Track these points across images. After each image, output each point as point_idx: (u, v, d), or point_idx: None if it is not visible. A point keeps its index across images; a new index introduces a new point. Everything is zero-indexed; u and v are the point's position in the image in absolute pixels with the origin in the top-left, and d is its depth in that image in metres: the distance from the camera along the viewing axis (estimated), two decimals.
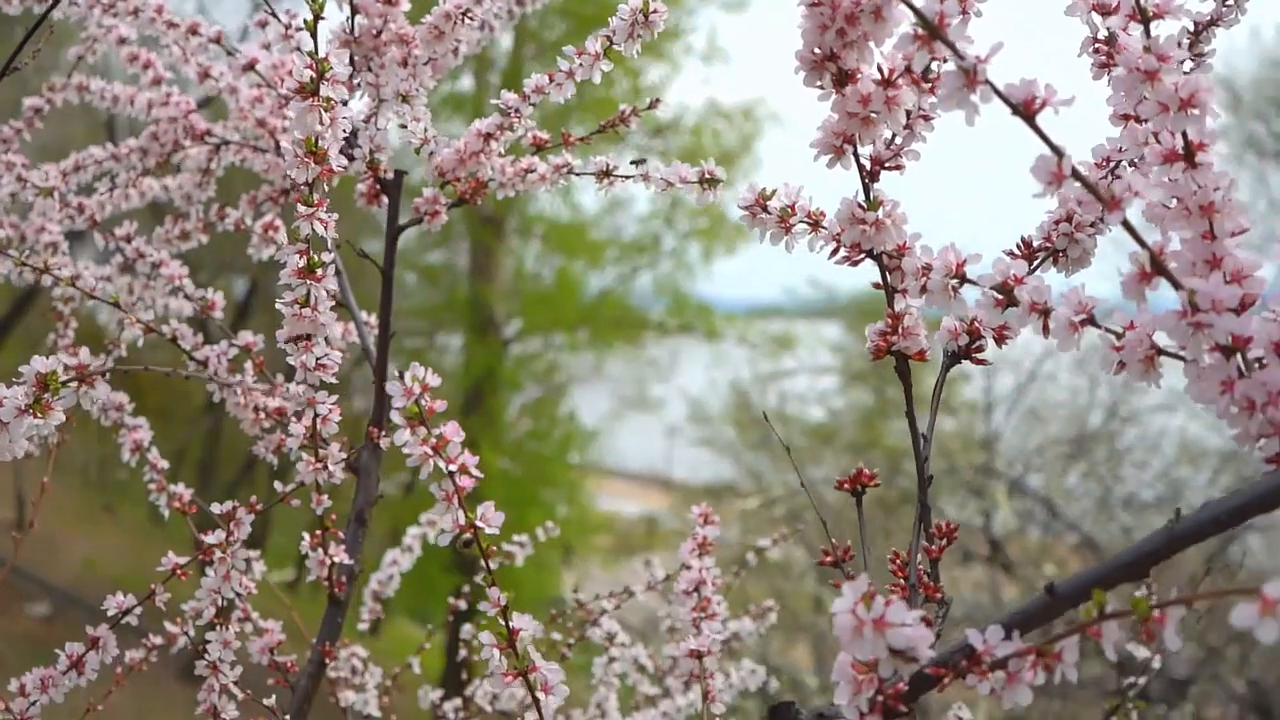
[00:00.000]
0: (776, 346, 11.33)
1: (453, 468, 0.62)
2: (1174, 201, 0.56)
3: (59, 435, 1.20)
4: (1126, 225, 0.52)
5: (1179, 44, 0.74)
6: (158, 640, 1.14)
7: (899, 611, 0.50)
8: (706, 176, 0.84)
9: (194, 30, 1.10)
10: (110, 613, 0.91)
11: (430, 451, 0.62)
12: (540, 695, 0.65)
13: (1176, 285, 0.51)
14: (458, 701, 1.31)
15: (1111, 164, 0.70)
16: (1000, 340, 0.67)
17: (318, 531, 0.96)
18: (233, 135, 1.20)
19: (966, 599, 6.77)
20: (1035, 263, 0.69)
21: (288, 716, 0.94)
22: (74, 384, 0.69)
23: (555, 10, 9.64)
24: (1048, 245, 0.69)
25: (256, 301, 10.55)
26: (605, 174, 0.96)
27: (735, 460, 9.66)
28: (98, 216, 1.22)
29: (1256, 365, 0.53)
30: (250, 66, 1.05)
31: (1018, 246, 0.70)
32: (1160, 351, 0.55)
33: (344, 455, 0.92)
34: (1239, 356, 0.52)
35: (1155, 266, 0.52)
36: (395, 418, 0.61)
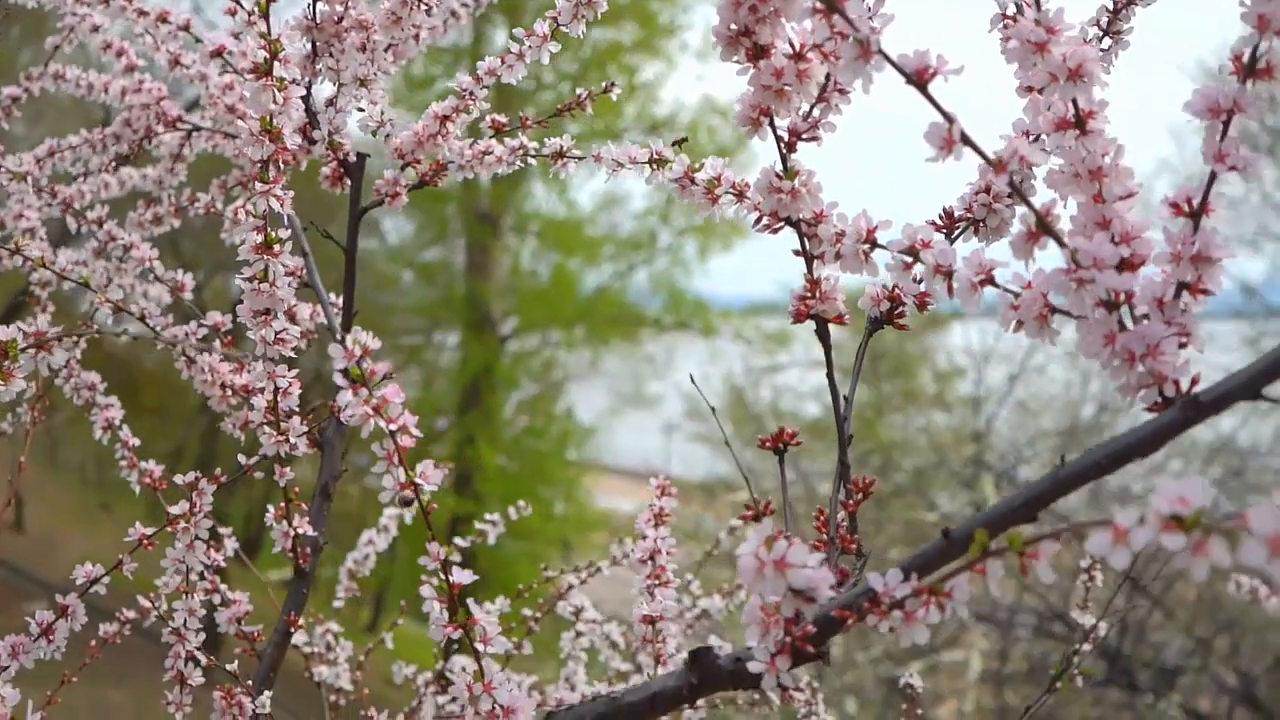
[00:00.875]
0: (772, 343, 11.35)
1: (393, 427, 0.65)
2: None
3: (34, 414, 1.23)
4: (1012, 186, 0.54)
5: (1097, 22, 0.77)
6: (130, 614, 1.17)
7: (799, 553, 0.53)
8: (655, 157, 0.87)
9: (163, 18, 1.13)
10: (79, 581, 0.94)
11: (371, 412, 0.65)
12: (480, 646, 0.68)
13: (1062, 244, 0.54)
14: (428, 675, 1.34)
15: (1032, 137, 0.73)
16: (922, 306, 0.70)
17: (281, 504, 0.99)
18: (204, 122, 1.23)
19: None
20: (956, 231, 0.72)
21: (250, 682, 0.97)
22: (32, 350, 0.72)
23: (550, 6, 9.66)
24: (968, 215, 0.72)
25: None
26: (559, 155, 0.99)
27: (731, 456, 9.69)
28: (76, 204, 1.25)
29: (1144, 321, 0.56)
30: (217, 53, 1.08)
31: (939, 216, 0.73)
32: (1054, 310, 0.57)
33: (305, 428, 0.95)
34: (1123, 311, 0.55)
35: (1041, 226, 0.55)
36: (338, 379, 0.64)
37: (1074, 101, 0.56)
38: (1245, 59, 0.55)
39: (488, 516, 1.43)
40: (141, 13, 1.13)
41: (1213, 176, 0.55)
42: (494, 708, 0.66)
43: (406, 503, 0.67)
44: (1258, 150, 0.57)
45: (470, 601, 0.69)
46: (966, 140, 0.54)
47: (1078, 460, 0.53)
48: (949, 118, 0.54)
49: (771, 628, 0.56)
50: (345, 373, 0.64)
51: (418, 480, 0.66)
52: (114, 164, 1.24)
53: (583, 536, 10.93)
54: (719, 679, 0.60)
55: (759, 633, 0.56)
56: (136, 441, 1.14)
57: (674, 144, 0.82)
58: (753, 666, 0.58)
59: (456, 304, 11.27)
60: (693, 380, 1.12)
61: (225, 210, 1.22)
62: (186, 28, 1.14)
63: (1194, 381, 0.54)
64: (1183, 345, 0.55)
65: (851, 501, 0.66)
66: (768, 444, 0.71)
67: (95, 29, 1.24)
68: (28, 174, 1.15)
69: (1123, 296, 0.54)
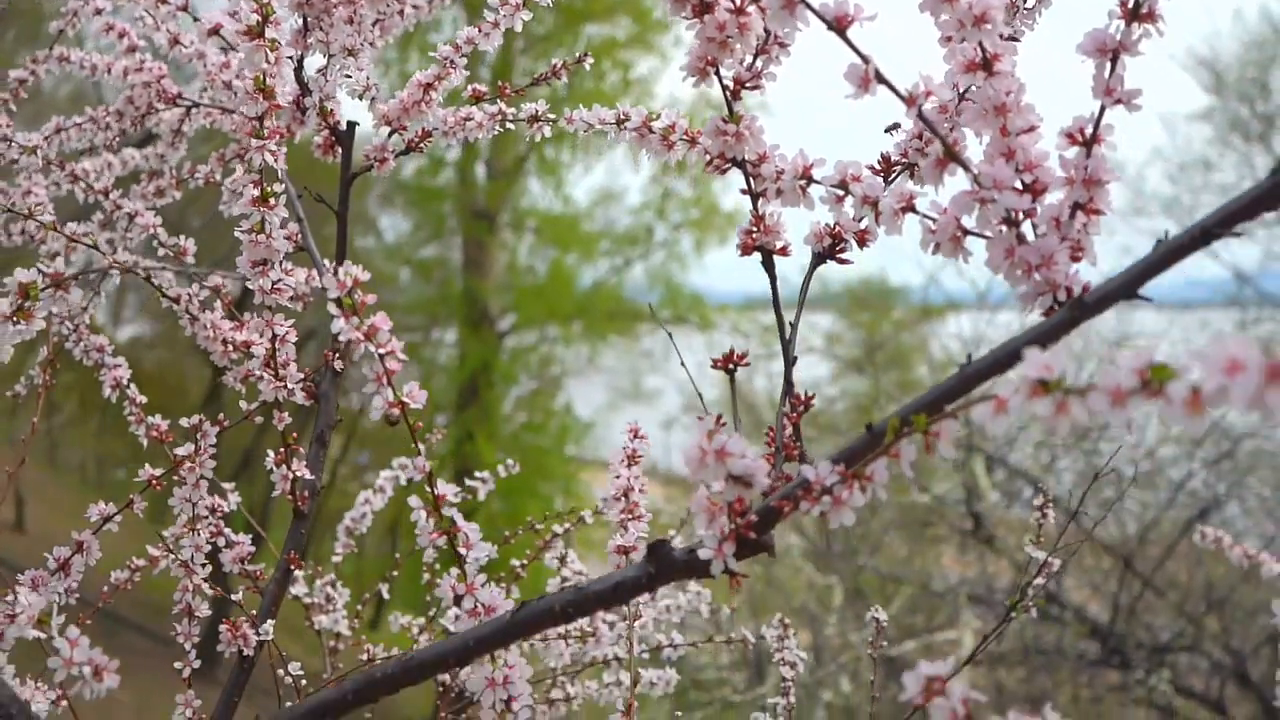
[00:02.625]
0: (770, 336, 11.41)
1: (382, 351, 0.72)
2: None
3: (45, 378, 1.30)
4: (921, 118, 0.62)
5: None
6: (140, 561, 1.24)
7: (737, 443, 0.60)
8: (620, 118, 0.94)
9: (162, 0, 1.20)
10: (94, 519, 1.01)
11: (362, 336, 0.72)
12: (462, 551, 0.75)
13: (967, 169, 0.61)
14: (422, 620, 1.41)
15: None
16: (861, 243, 0.77)
17: (281, 449, 1.06)
18: (202, 99, 1.29)
19: (950, 576, 6.89)
20: (893, 174, 0.79)
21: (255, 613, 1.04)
22: (50, 290, 0.79)
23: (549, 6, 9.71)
24: (903, 160, 0.79)
25: (253, 298, 10.61)
26: (535, 119, 1.06)
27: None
28: (94, 185, 1.32)
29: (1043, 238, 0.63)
30: (215, 31, 1.15)
31: (878, 161, 0.79)
32: (965, 231, 0.65)
33: (302, 375, 1.02)
34: (1021, 229, 0.62)
35: (949, 154, 0.62)
36: (331, 307, 0.71)
37: (980, 45, 0.63)
38: (1130, 5, 0.62)
39: (477, 474, 1.50)
40: None
41: (1102, 109, 0.62)
42: (475, 605, 0.74)
43: (393, 421, 0.74)
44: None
45: (455, 513, 0.76)
46: (881, 79, 0.61)
47: (981, 358, 0.60)
48: (865, 59, 0.61)
49: (717, 515, 0.63)
50: (339, 301, 0.71)
51: (404, 399, 0.73)
52: (117, 141, 1.31)
53: (582, 531, 10.94)
54: (674, 568, 0.67)
55: (706, 519, 0.63)
56: (143, 399, 1.21)
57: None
58: (702, 553, 0.65)
59: (454, 301, 11.34)
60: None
61: (224, 182, 1.29)
62: (184, 8, 1.21)
63: (1084, 289, 0.61)
64: (1076, 259, 0.62)
65: (795, 414, 0.73)
66: (718, 364, 0.78)
67: (98, 11, 1.31)
68: (37, 148, 1.22)
69: (1021, 215, 0.61)
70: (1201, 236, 0.55)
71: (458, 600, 0.74)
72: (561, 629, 1.29)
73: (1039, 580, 1.24)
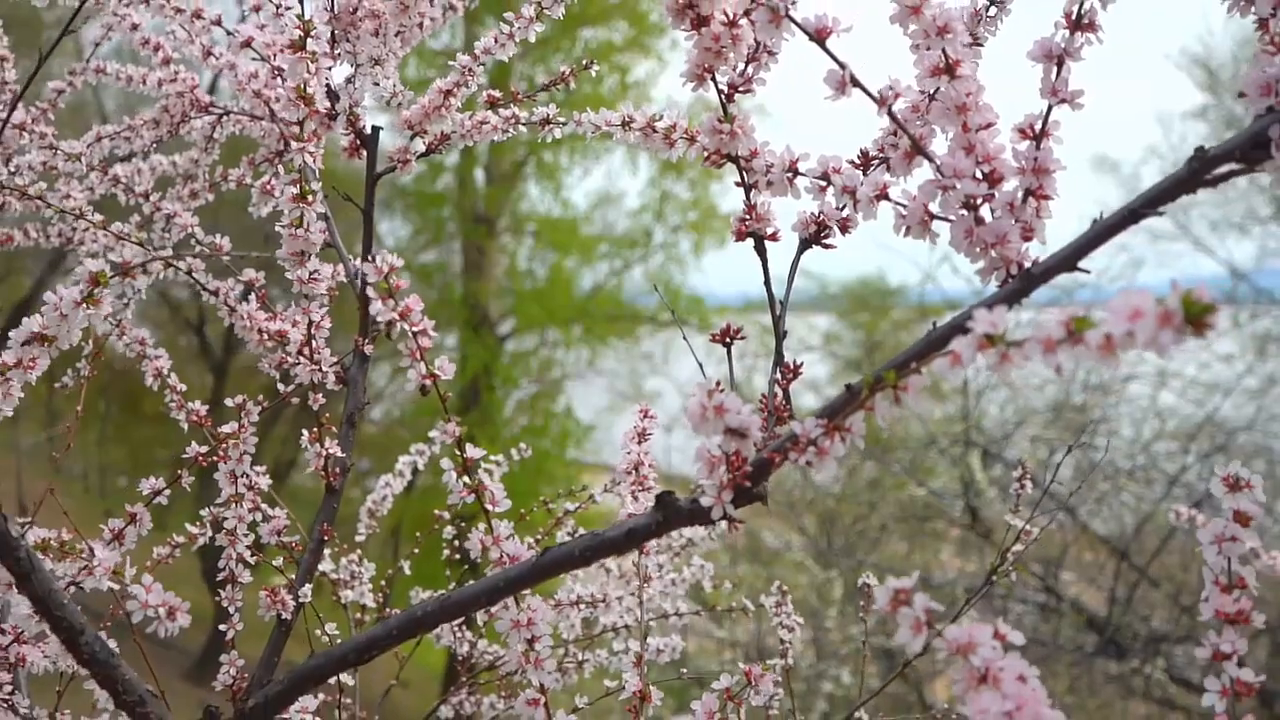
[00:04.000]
0: (769, 336, 11.45)
1: (416, 329, 0.81)
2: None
3: (90, 370, 1.39)
4: (891, 116, 0.71)
5: None
6: (180, 539, 1.33)
7: (734, 401, 0.69)
8: (625, 120, 1.03)
9: (198, 15, 1.29)
10: (145, 492, 1.10)
11: (398, 316, 0.81)
12: (489, 507, 0.84)
13: (931, 161, 0.71)
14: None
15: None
16: (844, 229, 0.86)
17: (315, 429, 1.15)
18: (233, 106, 1.38)
19: (950, 572, 6.97)
20: (871, 167, 0.88)
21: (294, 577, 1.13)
22: (118, 277, 0.88)
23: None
24: (880, 154, 0.88)
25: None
26: (546, 122, 1.15)
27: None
28: (135, 188, 1.41)
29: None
30: (247, 44, 1.24)
31: (857, 155, 0.88)
32: (932, 215, 0.74)
33: (335, 360, 1.11)
34: (980, 212, 0.71)
35: (915, 148, 0.71)
36: (370, 290, 0.80)
37: (944, 52, 0.73)
38: (1074, 16, 0.71)
39: (493, 458, 1.58)
40: (178, 10, 1.29)
41: (1049, 108, 0.71)
42: (501, 555, 0.83)
43: (425, 391, 0.83)
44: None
45: (481, 472, 0.85)
46: (855, 83, 0.70)
47: (943, 324, 0.69)
48: (842, 65, 0.70)
49: (717, 466, 0.72)
50: (376, 285, 0.80)
51: (436, 371, 0.82)
52: (154, 146, 1.40)
53: (581, 517, 11.02)
54: (680, 515, 0.76)
55: (707, 470, 0.72)
56: (183, 387, 1.30)
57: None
58: (704, 501, 0.74)
59: (454, 305, 11.41)
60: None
61: (254, 184, 1.38)
62: (218, 22, 1.30)
63: (1034, 264, 0.70)
64: (1027, 238, 0.71)
65: (785, 381, 0.82)
66: (716, 339, 0.87)
67: (135, 27, 1.40)
68: (80, 155, 1.31)
69: (980, 200, 0.70)
70: (1130, 216, 0.64)
71: (485, 551, 0.83)
72: (575, 597, 1.38)
73: (1018, 547, 1.33)
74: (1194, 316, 0.46)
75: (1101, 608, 6.65)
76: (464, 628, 1.55)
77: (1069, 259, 0.66)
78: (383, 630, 0.78)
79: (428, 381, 0.82)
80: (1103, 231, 0.65)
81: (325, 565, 1.50)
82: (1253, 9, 0.67)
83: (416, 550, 1.63)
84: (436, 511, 1.48)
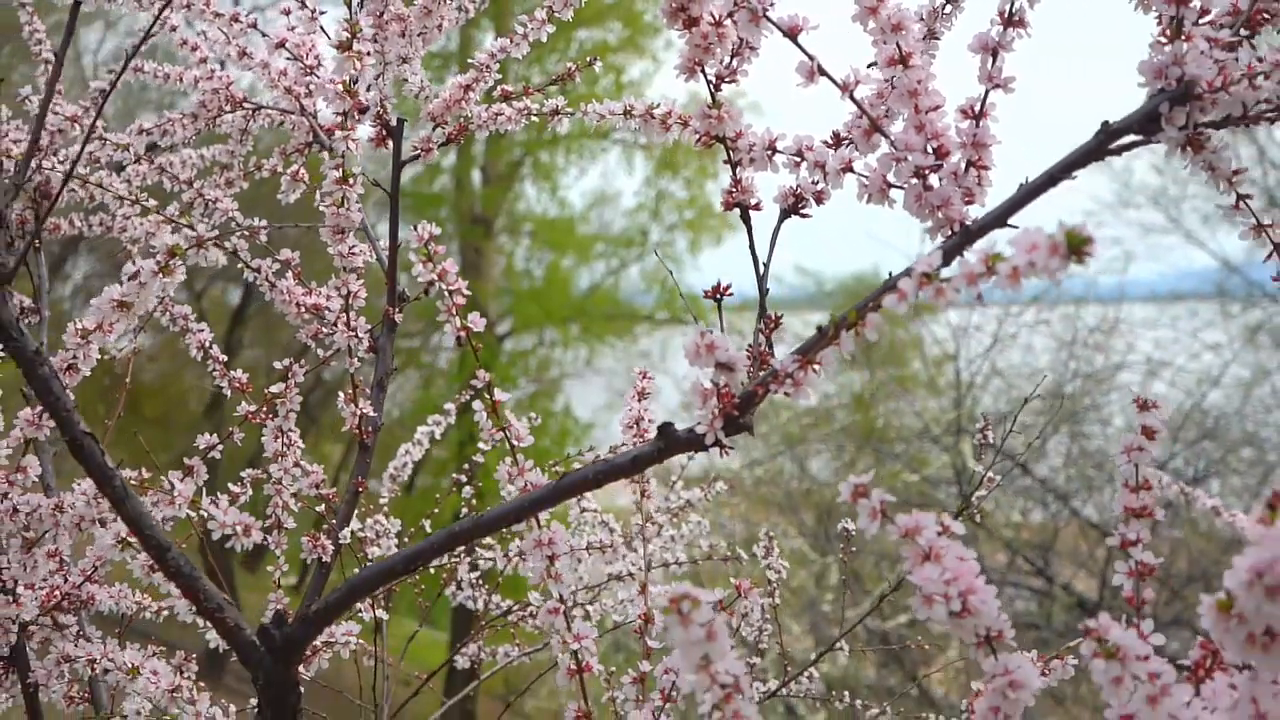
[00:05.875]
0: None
1: (452, 288, 0.95)
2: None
3: (135, 346, 1.52)
4: (853, 100, 0.84)
5: None
6: (238, 489, 1.46)
7: (723, 339, 0.83)
8: (627, 109, 1.16)
9: (235, 19, 1.42)
10: (200, 447, 1.23)
11: (436, 277, 0.94)
12: (514, 442, 0.97)
13: (887, 137, 0.84)
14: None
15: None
16: (819, 200, 0.99)
17: (350, 390, 1.28)
18: (265, 102, 1.51)
19: None
20: (842, 146, 1.01)
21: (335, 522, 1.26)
22: (193, 249, 1.01)
23: (537, 5, 9.99)
24: (849, 135, 1.01)
25: (253, 305, 10.88)
26: (555, 113, 1.28)
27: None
28: (179, 176, 1.54)
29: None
30: (281, 44, 1.37)
31: (830, 136, 1.02)
32: (889, 184, 0.87)
33: (370, 327, 1.24)
34: (929, 180, 0.84)
35: (873, 127, 0.85)
36: (412, 254, 0.93)
37: (898, 45, 0.86)
38: (1006, 15, 0.84)
39: (482, 446, 1.72)
40: (217, 14, 1.42)
41: (986, 92, 0.85)
42: (525, 484, 0.96)
43: (460, 343, 0.97)
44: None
45: (508, 414, 0.98)
46: (823, 72, 0.83)
47: (896, 275, 0.82)
48: (811, 57, 0.83)
49: (709, 398, 0.85)
50: (418, 250, 0.93)
51: (469, 325, 0.96)
52: (192, 139, 1.53)
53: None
54: (679, 443, 0.89)
55: (701, 400, 0.85)
56: (225, 358, 1.43)
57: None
58: (698, 428, 0.87)
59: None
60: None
61: (284, 172, 1.51)
62: (254, 25, 1.43)
63: (973, 222, 0.83)
64: (969, 202, 0.84)
65: (767, 330, 0.96)
66: (709, 294, 1.00)
67: (173, 29, 1.53)
68: (129, 145, 1.44)
69: (928, 170, 0.84)
70: (1049, 180, 0.78)
71: (511, 479, 0.96)
72: (584, 542, 1.51)
73: (982, 491, 1.46)
74: (1075, 246, 0.60)
75: (1093, 593, 6.81)
76: (483, 582, 1.68)
77: (999, 218, 0.79)
78: (425, 544, 0.91)
79: (462, 333, 0.96)
80: (1027, 194, 0.78)
81: (354, 525, 1.63)
82: (1154, 8, 0.80)
83: (436, 510, 1.76)
84: (454, 475, 1.61)
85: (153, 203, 1.30)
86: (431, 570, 1.75)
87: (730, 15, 0.89)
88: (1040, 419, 7.28)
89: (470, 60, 1.26)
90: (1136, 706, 0.64)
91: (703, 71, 0.93)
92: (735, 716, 0.71)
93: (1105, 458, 6.91)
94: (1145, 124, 0.76)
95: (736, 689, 0.70)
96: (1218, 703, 0.65)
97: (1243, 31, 0.80)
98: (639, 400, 1.30)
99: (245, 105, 1.54)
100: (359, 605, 1.53)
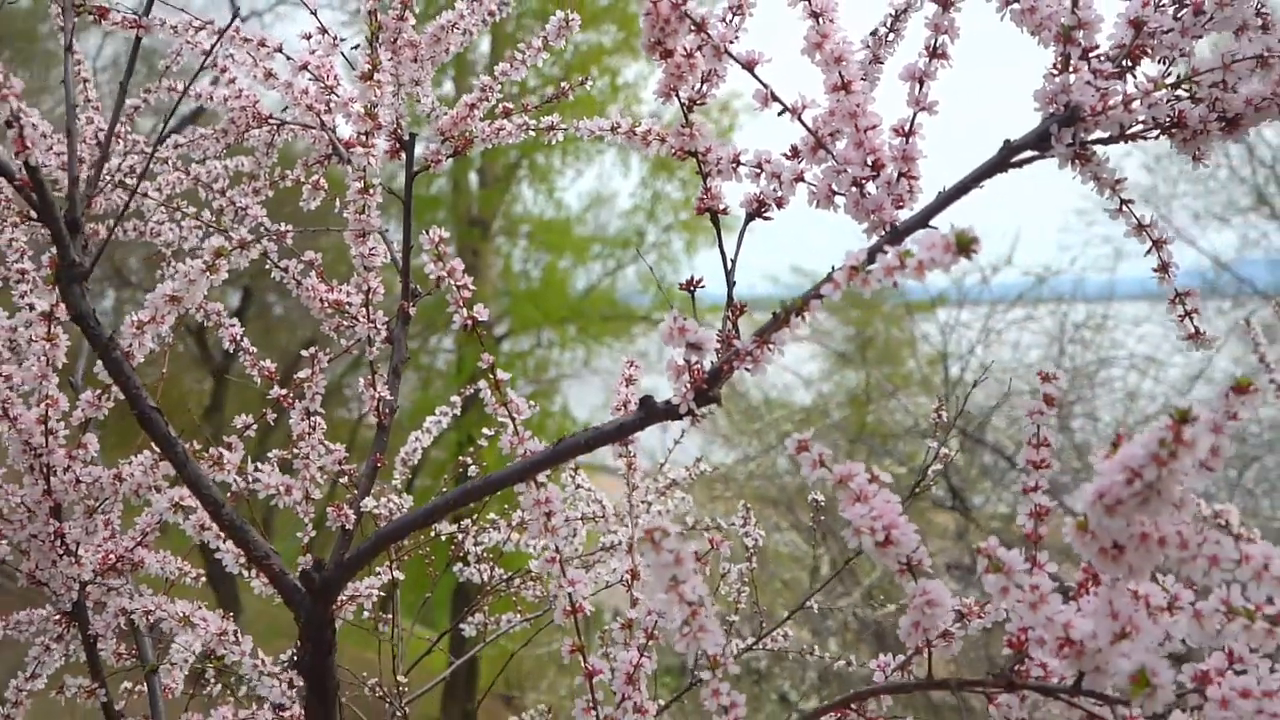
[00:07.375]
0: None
1: (459, 283, 1.10)
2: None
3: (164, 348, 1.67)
4: (800, 121, 1.00)
5: (884, 24, 1.21)
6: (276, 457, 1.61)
7: (693, 323, 0.98)
8: (614, 126, 1.32)
9: (262, 43, 1.58)
10: (238, 426, 1.38)
11: (445, 274, 1.10)
12: (515, 416, 1.13)
13: (829, 153, 1.00)
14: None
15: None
16: (780, 205, 1.15)
17: (369, 376, 1.44)
18: (288, 118, 1.67)
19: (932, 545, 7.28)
20: (797, 159, 1.17)
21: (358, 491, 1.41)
22: (236, 250, 1.16)
23: (530, 14, 10.16)
24: (801, 150, 1.17)
25: (251, 309, 11.03)
26: (552, 128, 1.44)
27: (727, 445, 10.18)
28: (214, 185, 1.69)
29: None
30: (304, 66, 1.53)
31: (789, 149, 1.17)
32: (834, 191, 1.02)
33: (386, 319, 1.39)
34: (867, 189, 1.00)
35: (818, 143, 1.00)
36: (424, 254, 1.09)
37: (840, 74, 1.01)
38: (931, 48, 1.00)
39: (485, 432, 1.88)
40: (245, 40, 1.58)
41: (914, 115, 1.00)
42: (525, 451, 1.11)
43: (467, 330, 1.12)
44: None
45: (507, 390, 1.14)
46: (775, 98, 0.99)
47: (838, 268, 0.97)
48: (765, 86, 0.99)
49: (682, 372, 1.01)
50: (429, 251, 1.09)
51: (475, 315, 1.11)
52: (222, 152, 1.68)
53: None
54: (657, 412, 1.05)
55: (674, 376, 1.01)
56: (254, 350, 1.58)
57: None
58: (673, 399, 1.02)
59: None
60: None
61: (306, 182, 1.67)
62: (280, 49, 1.58)
63: (900, 223, 0.99)
64: (899, 206, 1.00)
65: (734, 315, 1.11)
66: (684, 287, 1.16)
67: (206, 53, 1.68)
68: (167, 158, 1.60)
69: (865, 180, 0.99)
70: (961, 189, 0.93)
71: (514, 446, 1.12)
72: (580, 513, 1.67)
73: (936, 467, 1.62)
74: (963, 245, 0.75)
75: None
76: (490, 559, 1.83)
77: (920, 221, 0.95)
78: (442, 500, 1.06)
79: (469, 322, 1.11)
80: (941, 202, 0.94)
81: (369, 503, 1.78)
82: (1037, 24, 0.95)
83: (444, 490, 1.90)
84: (461, 458, 1.77)
85: (191, 209, 1.45)
86: (442, 536, 1.90)
87: (699, 49, 1.05)
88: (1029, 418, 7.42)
89: (472, 80, 1.42)
90: (1022, 612, 0.80)
91: (677, 95, 1.09)
92: (701, 630, 0.87)
93: (1092, 452, 7.05)
94: (1039, 142, 0.91)
95: (701, 606, 0.85)
96: (1087, 610, 0.81)
97: (1126, 63, 0.95)
98: (627, 386, 1.45)
99: (270, 121, 1.69)
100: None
